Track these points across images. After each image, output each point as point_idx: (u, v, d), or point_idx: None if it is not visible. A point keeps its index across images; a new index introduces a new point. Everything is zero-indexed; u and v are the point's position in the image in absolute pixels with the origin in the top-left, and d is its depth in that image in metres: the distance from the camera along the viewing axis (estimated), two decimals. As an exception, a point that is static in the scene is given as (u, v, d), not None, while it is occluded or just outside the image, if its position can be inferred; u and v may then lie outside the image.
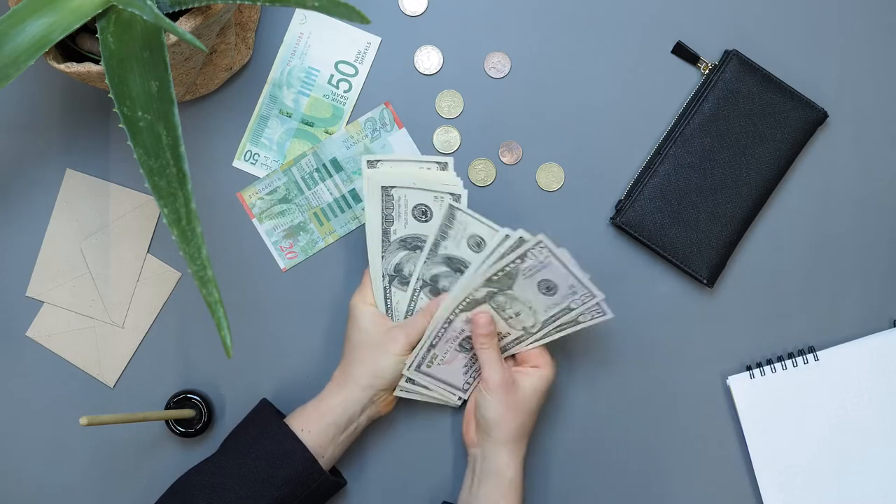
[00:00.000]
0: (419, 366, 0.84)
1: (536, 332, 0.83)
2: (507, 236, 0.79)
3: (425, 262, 0.84)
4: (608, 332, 0.90)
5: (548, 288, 0.80)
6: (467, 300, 0.81)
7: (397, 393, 0.85)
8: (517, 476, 0.81)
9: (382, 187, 0.82)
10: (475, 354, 0.85)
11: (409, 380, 0.85)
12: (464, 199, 0.83)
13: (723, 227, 0.88)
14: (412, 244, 0.84)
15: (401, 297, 0.85)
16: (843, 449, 0.88)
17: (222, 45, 0.85)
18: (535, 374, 0.83)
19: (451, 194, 0.83)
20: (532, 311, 0.82)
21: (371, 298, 0.85)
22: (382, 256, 0.84)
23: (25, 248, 0.90)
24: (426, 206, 0.83)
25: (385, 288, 0.85)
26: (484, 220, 0.82)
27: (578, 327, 0.82)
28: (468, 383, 0.86)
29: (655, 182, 0.88)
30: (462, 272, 0.84)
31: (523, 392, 0.82)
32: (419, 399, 0.87)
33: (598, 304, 0.80)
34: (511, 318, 0.83)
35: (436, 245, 0.84)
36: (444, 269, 0.84)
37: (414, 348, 0.83)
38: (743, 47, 0.89)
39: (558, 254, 0.77)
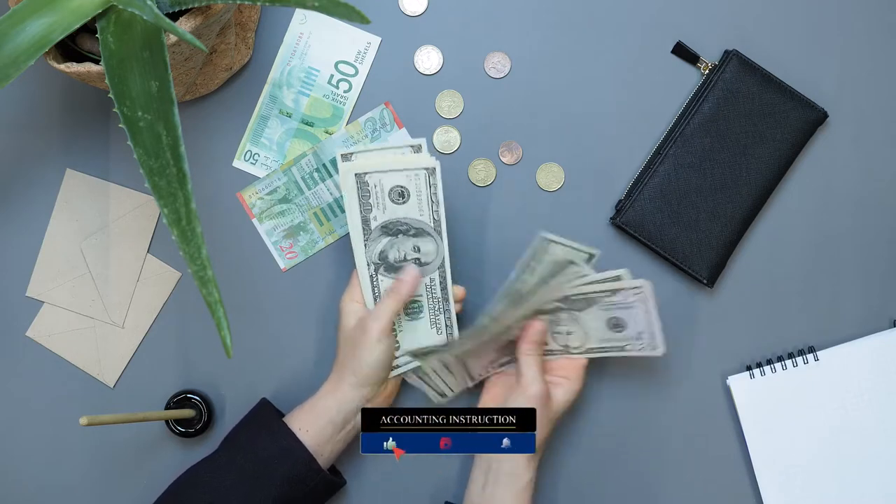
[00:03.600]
0: (469, 354, 0.83)
1: (578, 353, 0.84)
2: (619, 278, 0.80)
3: (365, 244, 0.83)
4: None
5: (615, 325, 0.81)
6: (535, 309, 0.82)
7: (401, 371, 0.85)
8: (532, 480, 0.81)
9: (356, 175, 0.81)
10: (503, 353, 0.85)
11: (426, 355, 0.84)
12: (438, 171, 0.82)
13: (723, 227, 0.88)
14: (394, 229, 0.83)
15: (387, 285, 0.85)
16: (843, 449, 0.88)
17: (222, 45, 0.85)
18: (566, 387, 0.83)
19: (424, 169, 0.81)
20: (586, 336, 0.82)
21: (358, 296, 0.84)
22: (366, 245, 0.84)
23: (25, 248, 0.90)
24: (402, 187, 0.82)
25: (371, 276, 0.84)
26: (390, 159, 0.81)
27: (622, 354, 0.83)
28: (481, 375, 0.86)
29: (655, 182, 0.88)
30: (402, 232, 0.82)
31: (557, 405, 0.82)
32: (420, 383, 0.86)
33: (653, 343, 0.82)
34: (559, 333, 0.83)
35: (366, 222, 0.82)
36: (385, 239, 0.83)
37: (389, 333, 0.82)
38: (743, 47, 0.89)
39: (649, 303, 0.79)
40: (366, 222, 0.82)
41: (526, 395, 0.81)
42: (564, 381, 0.83)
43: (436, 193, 0.82)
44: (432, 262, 0.84)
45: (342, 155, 0.82)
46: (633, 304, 0.80)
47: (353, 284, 0.85)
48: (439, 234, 0.83)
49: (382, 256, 0.83)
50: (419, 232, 0.83)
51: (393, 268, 0.84)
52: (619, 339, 0.83)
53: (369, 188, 0.82)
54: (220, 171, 0.90)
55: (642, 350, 0.83)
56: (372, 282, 0.84)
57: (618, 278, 0.81)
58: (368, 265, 0.84)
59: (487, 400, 0.86)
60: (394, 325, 0.84)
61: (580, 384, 0.84)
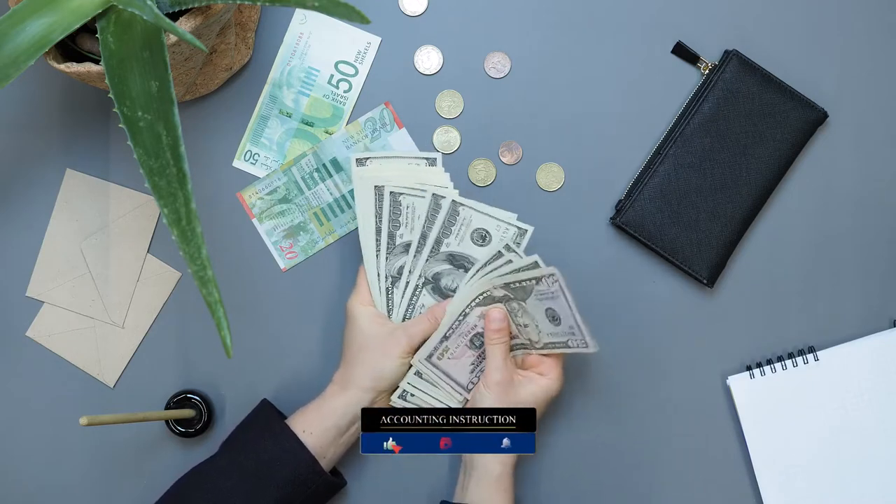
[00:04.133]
0: (430, 356, 0.84)
1: (540, 348, 0.83)
2: (537, 264, 0.79)
3: (427, 259, 0.84)
4: (609, 332, 0.90)
5: (553, 317, 0.80)
6: (484, 295, 0.82)
7: (394, 402, 0.85)
8: (504, 473, 0.80)
9: (375, 186, 0.83)
10: (483, 353, 0.85)
11: (412, 381, 0.85)
12: (527, 236, 0.83)
13: (723, 227, 0.88)
14: (459, 262, 0.85)
15: (402, 296, 0.85)
16: (843, 449, 0.88)
17: (222, 45, 0.85)
18: (537, 382, 0.82)
19: (454, 202, 0.83)
20: (537, 329, 0.82)
21: (368, 299, 0.85)
22: (387, 258, 0.84)
23: (25, 248, 0.90)
24: (486, 230, 0.84)
25: (388, 289, 0.85)
26: (489, 210, 0.83)
27: (569, 351, 0.81)
28: (472, 383, 0.86)
29: (655, 182, 0.88)
30: (465, 268, 0.84)
31: (519, 397, 0.82)
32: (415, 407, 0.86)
33: (585, 341, 0.79)
34: (520, 325, 0.83)
35: (437, 242, 0.84)
36: (446, 266, 0.84)
37: (415, 350, 0.83)
38: (743, 47, 0.89)
39: (566, 293, 0.77)
40: (391, 237, 0.84)
41: (487, 384, 0.81)
42: (537, 377, 0.83)
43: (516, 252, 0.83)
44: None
45: (357, 159, 0.84)
46: (555, 295, 0.78)
47: (361, 286, 0.85)
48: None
49: (401, 271, 0.84)
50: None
51: (441, 292, 0.85)
52: (560, 333, 0.80)
53: (402, 208, 0.83)
54: (220, 171, 0.90)
55: (578, 347, 0.80)
56: (388, 294, 0.85)
57: (535, 265, 0.79)
58: (386, 277, 0.85)
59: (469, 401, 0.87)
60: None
61: (556, 382, 0.82)
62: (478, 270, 0.83)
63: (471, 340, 0.84)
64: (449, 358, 0.84)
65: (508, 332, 0.83)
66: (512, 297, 0.81)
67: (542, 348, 0.83)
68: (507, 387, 0.81)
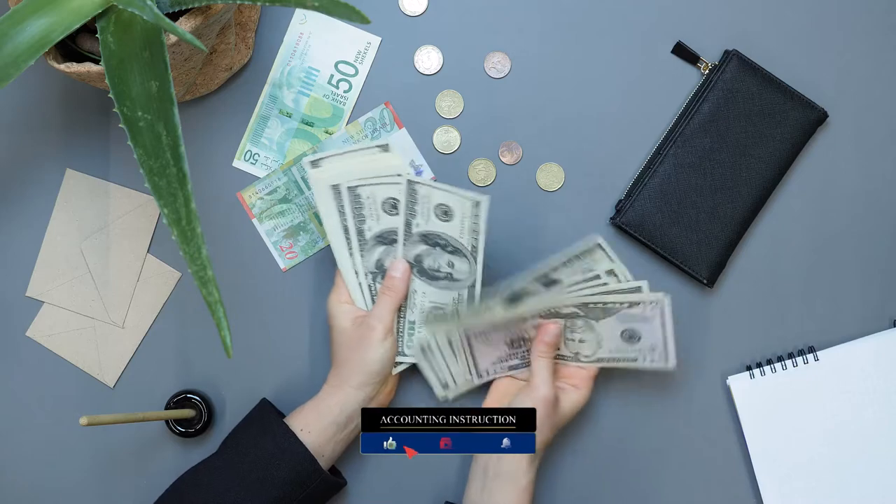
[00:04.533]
0: (471, 329, 0.83)
1: (589, 361, 0.84)
2: (640, 289, 0.81)
3: (404, 244, 0.84)
4: (608, 332, 0.90)
5: (630, 337, 0.81)
6: (551, 309, 0.82)
7: (407, 355, 0.85)
8: (532, 482, 0.81)
9: (332, 186, 0.82)
10: (514, 353, 0.85)
11: (440, 341, 0.84)
12: (484, 205, 0.82)
13: (723, 227, 0.88)
14: (388, 238, 0.84)
15: (424, 288, 0.85)
16: (842, 449, 0.88)
17: (222, 45, 0.85)
18: (574, 395, 0.83)
19: (409, 181, 0.82)
20: (598, 345, 0.83)
21: (346, 297, 0.85)
22: (362, 255, 0.84)
23: (25, 248, 0.90)
24: (395, 198, 0.83)
25: (370, 286, 0.85)
26: (445, 186, 0.82)
27: (633, 366, 0.84)
28: (488, 373, 0.86)
29: (655, 182, 0.88)
30: (441, 246, 0.84)
31: (562, 412, 0.82)
32: (423, 366, 0.86)
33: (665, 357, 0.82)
34: (572, 340, 0.83)
35: (408, 225, 0.83)
36: (423, 247, 0.84)
37: (391, 329, 0.83)
38: (743, 47, 0.89)
39: (666, 317, 0.80)
40: (360, 233, 0.83)
41: (534, 397, 0.81)
42: (572, 390, 0.84)
43: (477, 224, 0.82)
44: (463, 281, 0.84)
45: (311, 162, 0.82)
46: (650, 318, 0.81)
47: (339, 284, 0.85)
48: (475, 259, 0.83)
49: (379, 265, 0.84)
50: (456, 250, 0.84)
51: (427, 273, 0.85)
52: (632, 350, 0.83)
53: (362, 200, 0.83)
54: (220, 171, 0.90)
55: (654, 363, 0.83)
56: (370, 290, 0.85)
57: (638, 289, 0.81)
58: (366, 274, 0.84)
59: (493, 401, 0.86)
60: (409, 317, 0.85)
61: (588, 393, 0.84)
62: (570, 284, 0.83)
63: (511, 340, 0.84)
64: (483, 343, 0.84)
65: (558, 347, 0.83)
66: (582, 314, 0.82)
67: (591, 362, 0.84)
68: (554, 404, 0.81)
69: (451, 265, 0.84)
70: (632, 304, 0.81)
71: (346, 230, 0.84)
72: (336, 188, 0.82)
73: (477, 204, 0.81)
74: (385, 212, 0.83)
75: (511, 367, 0.86)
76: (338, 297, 0.85)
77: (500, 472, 0.80)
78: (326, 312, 0.85)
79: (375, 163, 0.83)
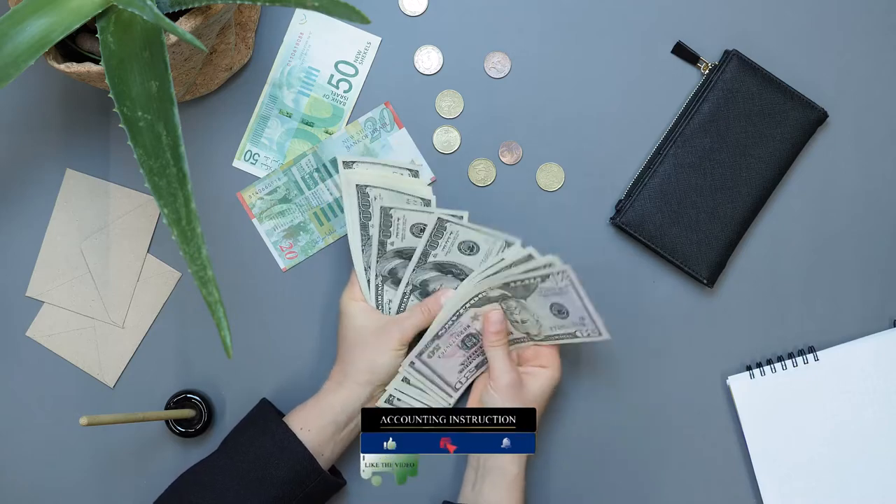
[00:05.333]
0: (421, 353, 0.84)
1: (540, 339, 0.83)
2: (531, 256, 0.79)
3: (414, 269, 0.84)
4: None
5: (559, 311, 0.80)
6: (479, 296, 0.82)
7: (380, 404, 0.85)
8: (520, 473, 0.81)
9: (357, 185, 0.83)
10: (473, 353, 0.85)
11: (399, 387, 0.85)
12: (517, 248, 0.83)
13: (723, 227, 0.88)
14: (408, 254, 0.85)
15: (392, 296, 0.86)
16: (842, 449, 0.88)
17: (222, 45, 0.85)
18: (542, 376, 0.83)
19: (440, 219, 0.83)
20: (538, 323, 0.82)
21: (360, 294, 0.85)
22: (377, 261, 0.84)
23: (25, 248, 0.90)
24: (424, 224, 0.83)
25: (378, 286, 0.85)
26: (476, 227, 0.82)
27: (576, 341, 0.83)
28: (460, 382, 0.87)
29: (655, 182, 0.88)
30: (453, 273, 0.84)
31: (531, 394, 0.82)
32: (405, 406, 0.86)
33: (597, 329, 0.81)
34: (517, 322, 0.83)
35: (425, 255, 0.84)
36: (433, 273, 0.85)
37: (407, 344, 0.84)
38: (743, 47, 0.89)
39: (577, 287, 0.78)
40: (382, 245, 0.84)
41: (497, 387, 0.81)
42: (540, 371, 0.83)
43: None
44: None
45: (344, 162, 0.84)
46: (565, 290, 0.79)
47: (354, 282, 0.85)
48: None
49: (392, 272, 0.85)
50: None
51: (399, 281, 0.86)
52: (568, 324, 0.82)
53: (392, 220, 0.83)
54: (220, 171, 0.90)
55: (589, 336, 0.81)
56: (378, 291, 0.85)
57: (530, 257, 0.79)
58: (377, 276, 0.85)
59: (472, 401, 0.87)
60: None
61: (558, 368, 0.84)
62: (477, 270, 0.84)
63: (462, 341, 0.84)
64: (440, 357, 0.84)
65: (507, 333, 0.83)
66: (510, 295, 0.81)
67: (542, 340, 0.83)
68: (518, 388, 0.81)
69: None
70: (543, 278, 0.79)
71: (363, 227, 0.84)
72: (361, 188, 0.83)
73: (508, 245, 0.82)
74: (412, 234, 0.84)
75: (478, 367, 0.87)
76: (351, 295, 0.85)
77: (488, 467, 0.81)
78: (339, 309, 0.85)
79: (403, 183, 0.84)
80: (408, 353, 0.84)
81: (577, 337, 0.82)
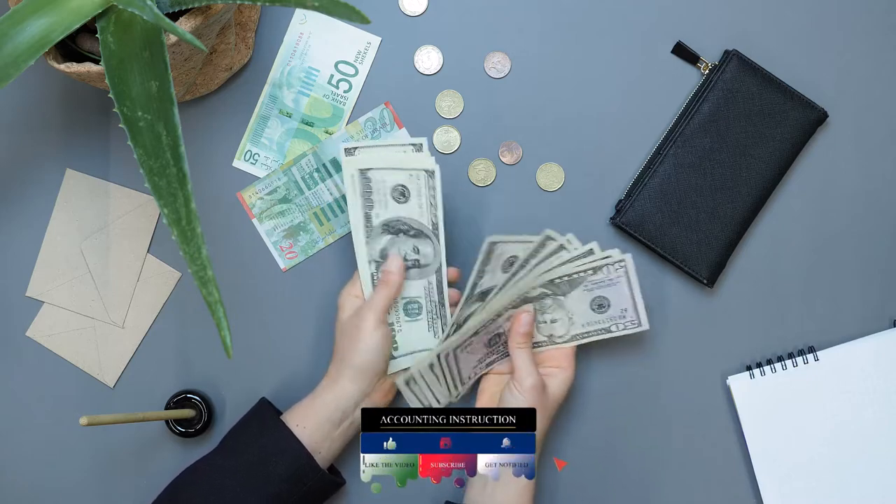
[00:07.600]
0: (458, 347, 0.83)
1: (563, 341, 0.84)
2: (591, 251, 0.81)
3: (366, 241, 0.83)
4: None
5: (600, 305, 0.82)
6: (521, 296, 0.82)
7: (398, 382, 0.85)
8: (534, 479, 0.81)
9: (360, 170, 0.82)
10: (492, 352, 0.85)
11: (424, 373, 0.84)
12: (437, 175, 0.83)
13: (723, 227, 0.88)
14: (395, 228, 0.84)
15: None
16: (842, 449, 0.88)
17: (222, 45, 0.85)
18: (559, 377, 0.83)
19: (425, 171, 0.82)
20: (570, 322, 0.83)
21: (358, 291, 0.85)
22: (366, 242, 0.84)
23: (25, 248, 0.90)
24: (403, 185, 0.82)
25: (372, 274, 0.84)
26: (521, 238, 0.83)
27: (609, 336, 0.84)
28: (470, 378, 0.86)
29: (655, 182, 0.88)
30: (403, 232, 0.84)
31: (552, 396, 0.83)
32: (409, 395, 0.86)
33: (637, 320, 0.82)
34: (544, 323, 0.83)
35: (473, 286, 0.84)
36: (387, 237, 0.84)
37: (384, 319, 0.82)
38: (743, 47, 0.89)
39: (632, 276, 0.80)
40: (368, 219, 0.83)
41: (522, 388, 0.81)
42: (557, 371, 0.84)
43: (434, 196, 0.82)
44: (430, 265, 0.84)
45: (346, 149, 0.83)
46: (616, 281, 0.80)
47: (355, 279, 0.85)
48: (437, 237, 0.83)
49: (383, 254, 0.84)
50: (418, 233, 0.83)
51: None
52: (604, 319, 0.83)
53: (371, 184, 0.82)
54: (220, 171, 0.90)
55: (626, 328, 0.83)
56: (373, 278, 0.84)
57: (591, 252, 0.81)
58: (370, 262, 0.84)
59: (484, 401, 0.86)
60: (389, 316, 0.84)
61: (572, 371, 0.84)
62: (521, 266, 0.83)
63: (489, 340, 0.84)
64: (468, 353, 0.84)
65: (532, 335, 0.83)
66: (550, 293, 0.82)
67: (567, 341, 0.84)
68: (541, 389, 0.81)
69: (416, 250, 0.84)
70: (595, 270, 0.80)
71: (366, 217, 0.83)
72: (363, 173, 0.82)
73: (431, 174, 0.81)
74: (394, 199, 0.83)
75: (489, 364, 0.87)
76: (349, 290, 0.85)
77: None
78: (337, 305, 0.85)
79: (406, 160, 0.84)
80: (407, 355, 0.84)
81: (610, 332, 0.83)
